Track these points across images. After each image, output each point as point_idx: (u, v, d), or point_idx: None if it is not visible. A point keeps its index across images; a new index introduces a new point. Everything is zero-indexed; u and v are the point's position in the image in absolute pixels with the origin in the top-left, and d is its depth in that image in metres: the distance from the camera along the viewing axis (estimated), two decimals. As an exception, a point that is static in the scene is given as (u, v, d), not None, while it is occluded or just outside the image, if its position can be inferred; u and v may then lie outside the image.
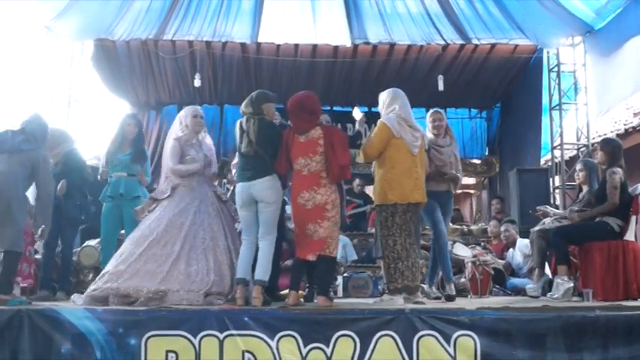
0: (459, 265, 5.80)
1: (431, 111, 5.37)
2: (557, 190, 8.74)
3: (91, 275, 5.67)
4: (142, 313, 3.77)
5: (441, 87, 8.89)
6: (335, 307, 4.11)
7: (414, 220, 4.56)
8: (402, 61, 9.28)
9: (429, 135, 5.17)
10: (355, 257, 7.15)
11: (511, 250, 6.46)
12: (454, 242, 6.14)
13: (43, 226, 4.70)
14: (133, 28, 8.77)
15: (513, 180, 8.22)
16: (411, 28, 8.97)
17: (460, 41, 9.12)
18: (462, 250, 6.01)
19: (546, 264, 5.40)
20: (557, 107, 8.78)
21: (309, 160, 4.28)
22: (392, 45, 9.11)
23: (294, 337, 3.63)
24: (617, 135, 8.02)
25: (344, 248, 6.82)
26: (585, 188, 5.34)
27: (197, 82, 8.94)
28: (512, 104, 10.15)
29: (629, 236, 4.82)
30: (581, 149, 8.74)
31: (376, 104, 4.95)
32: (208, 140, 5.03)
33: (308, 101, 4.43)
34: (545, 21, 8.22)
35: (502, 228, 6.71)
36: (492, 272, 5.64)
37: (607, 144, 5.05)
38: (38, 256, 5.50)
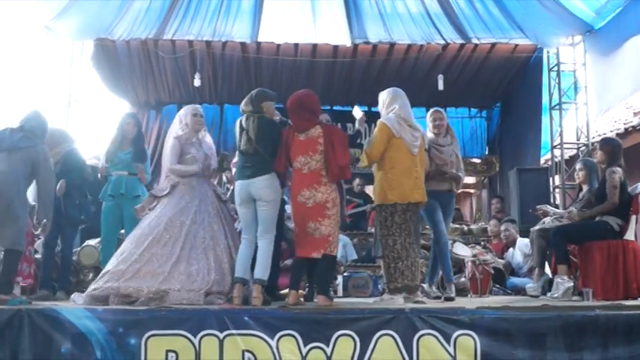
0: (459, 265, 5.80)
1: (431, 110, 5.35)
2: (557, 190, 8.74)
3: (91, 275, 5.66)
4: (142, 312, 3.77)
5: (440, 86, 8.90)
6: (335, 307, 4.11)
7: (413, 220, 4.56)
8: (402, 60, 9.28)
9: (430, 134, 5.16)
10: (355, 257, 7.15)
11: (511, 249, 6.46)
12: (454, 241, 6.14)
13: (44, 220, 4.70)
14: (133, 27, 8.78)
15: (513, 179, 8.23)
16: (411, 27, 8.98)
17: (460, 41, 9.12)
18: (461, 250, 6.01)
19: (546, 263, 5.40)
20: (557, 107, 8.78)
21: (309, 159, 4.28)
22: (392, 44, 9.12)
23: (294, 336, 3.63)
24: (617, 134, 8.01)
25: (344, 248, 6.82)
26: (585, 188, 5.34)
27: (197, 82, 8.95)
28: (512, 104, 10.15)
29: (629, 236, 4.82)
30: (581, 149, 8.74)
31: (376, 104, 4.95)
32: (208, 139, 5.03)
33: (307, 99, 4.43)
34: (545, 20, 8.22)
35: (502, 227, 6.71)
36: (492, 272, 5.65)
37: (606, 143, 5.05)
38: (38, 256, 5.50)
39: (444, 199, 5.07)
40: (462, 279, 5.64)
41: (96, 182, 5.60)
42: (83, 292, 4.35)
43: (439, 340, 3.63)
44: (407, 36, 9.06)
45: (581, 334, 3.68)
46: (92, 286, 4.28)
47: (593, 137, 8.57)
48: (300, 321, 3.71)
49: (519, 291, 5.66)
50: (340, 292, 5.71)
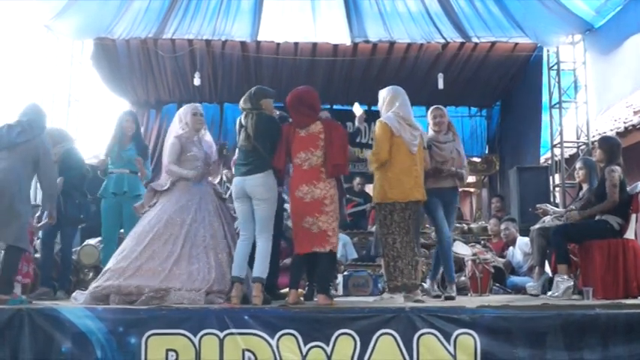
0: (459, 264, 5.79)
1: (432, 107, 5.33)
2: (557, 189, 8.74)
3: (91, 274, 5.67)
4: (143, 311, 3.77)
5: (440, 85, 8.91)
6: (335, 306, 4.11)
7: (413, 219, 4.55)
8: (401, 59, 9.28)
9: (431, 132, 5.15)
10: (355, 255, 7.15)
11: (511, 248, 6.46)
12: (454, 240, 6.13)
13: (45, 213, 4.72)
14: (133, 26, 8.78)
15: (513, 178, 8.23)
16: (411, 26, 8.98)
17: (460, 39, 9.12)
18: (462, 249, 6.01)
19: (546, 262, 5.39)
20: (557, 105, 8.78)
21: (309, 155, 4.28)
22: (392, 43, 9.12)
23: (294, 335, 3.63)
24: (617, 133, 8.02)
25: (344, 247, 6.82)
26: (585, 186, 5.33)
27: (197, 81, 8.95)
28: (512, 102, 10.14)
29: (629, 234, 4.82)
30: (581, 147, 8.74)
31: (376, 103, 4.93)
32: (208, 137, 5.02)
33: (307, 95, 4.43)
34: (545, 19, 8.22)
35: (502, 226, 6.71)
36: (492, 270, 5.65)
37: (605, 142, 5.04)
38: (37, 255, 5.50)
39: (447, 196, 5.05)
40: (462, 278, 5.64)
41: (95, 181, 5.59)
42: (84, 291, 4.36)
43: (439, 339, 3.63)
44: (407, 35, 9.06)
45: (581, 333, 3.67)
46: (93, 285, 4.27)
47: (593, 136, 8.57)
48: (300, 320, 3.70)
49: (519, 290, 5.66)
50: (340, 291, 5.71)
